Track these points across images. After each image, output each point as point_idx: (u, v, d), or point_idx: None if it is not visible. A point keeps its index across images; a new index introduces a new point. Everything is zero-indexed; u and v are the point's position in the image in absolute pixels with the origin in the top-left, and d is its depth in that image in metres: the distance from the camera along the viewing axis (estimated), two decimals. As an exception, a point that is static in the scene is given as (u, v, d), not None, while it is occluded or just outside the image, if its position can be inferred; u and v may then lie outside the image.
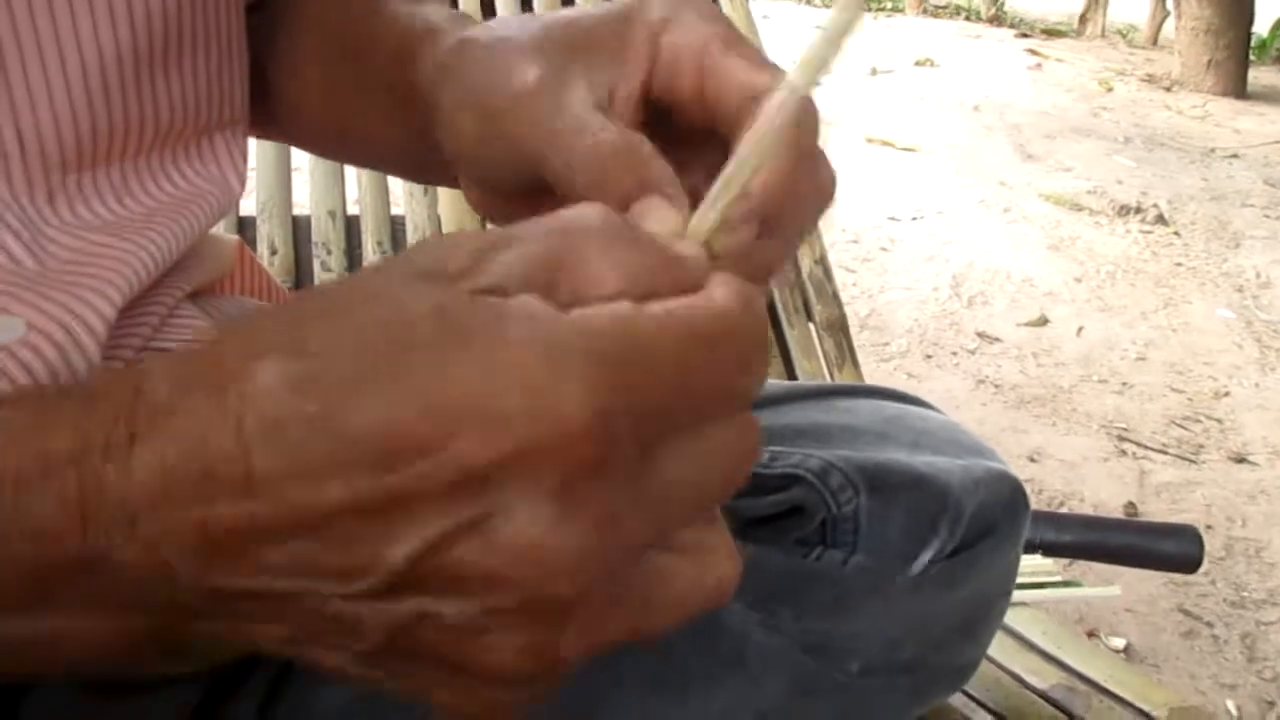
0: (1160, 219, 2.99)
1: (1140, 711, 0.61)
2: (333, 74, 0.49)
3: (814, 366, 0.91)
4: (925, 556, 0.49)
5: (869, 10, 6.07)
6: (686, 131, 0.35)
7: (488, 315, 0.23)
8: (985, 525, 0.51)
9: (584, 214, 0.25)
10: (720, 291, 0.25)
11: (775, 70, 0.33)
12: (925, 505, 0.49)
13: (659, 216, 0.31)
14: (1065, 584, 0.78)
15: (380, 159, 0.52)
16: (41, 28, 0.39)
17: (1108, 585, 0.94)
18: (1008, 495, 0.53)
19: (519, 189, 0.36)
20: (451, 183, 0.42)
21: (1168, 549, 0.81)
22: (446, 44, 0.40)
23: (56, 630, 0.26)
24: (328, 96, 0.50)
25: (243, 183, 0.52)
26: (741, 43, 0.33)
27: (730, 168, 0.29)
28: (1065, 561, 0.85)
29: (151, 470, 0.24)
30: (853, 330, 2.10)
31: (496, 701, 0.25)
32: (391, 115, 0.45)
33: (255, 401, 0.23)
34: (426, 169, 0.46)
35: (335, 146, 0.55)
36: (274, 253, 0.85)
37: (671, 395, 0.23)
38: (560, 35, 0.36)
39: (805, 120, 0.32)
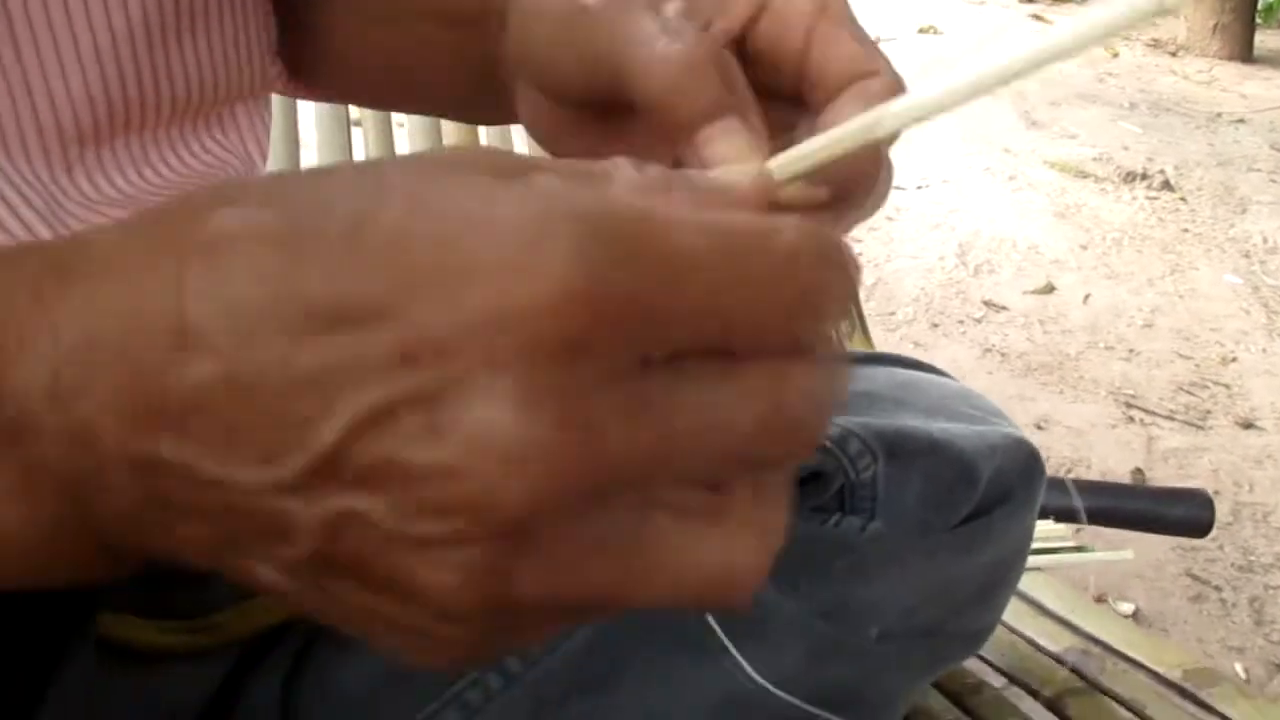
0: (1166, 185, 2.98)
1: (1154, 673, 0.61)
2: (382, 9, 0.49)
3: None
4: (942, 522, 0.49)
5: (872, -23, 6.00)
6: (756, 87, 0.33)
7: (482, 183, 0.20)
8: (1001, 490, 0.51)
9: (620, 165, 0.23)
10: (787, 223, 0.21)
11: (883, 57, 0.32)
12: (942, 471, 0.49)
13: (735, 141, 0.30)
14: (1077, 549, 0.78)
15: (435, 94, 0.52)
16: (53, 3, 0.39)
17: (1119, 550, 0.95)
18: (1023, 461, 0.53)
19: (585, 102, 0.34)
20: (505, 116, 0.42)
21: (1178, 513, 0.82)
22: None
23: None
24: (380, 35, 0.50)
25: (264, 153, 0.52)
26: (854, 21, 0.33)
27: (832, 133, 0.28)
28: (1075, 528, 0.86)
29: (77, 315, 0.21)
30: (859, 299, 2.10)
31: (436, 639, 0.20)
32: (450, 39, 0.45)
33: (202, 248, 0.20)
34: (482, 100, 0.45)
35: (387, 88, 0.54)
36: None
37: (698, 307, 0.19)
38: None
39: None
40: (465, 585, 0.19)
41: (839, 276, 0.21)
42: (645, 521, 0.20)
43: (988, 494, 0.51)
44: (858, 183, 0.31)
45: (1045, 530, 0.81)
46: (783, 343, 0.21)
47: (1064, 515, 0.80)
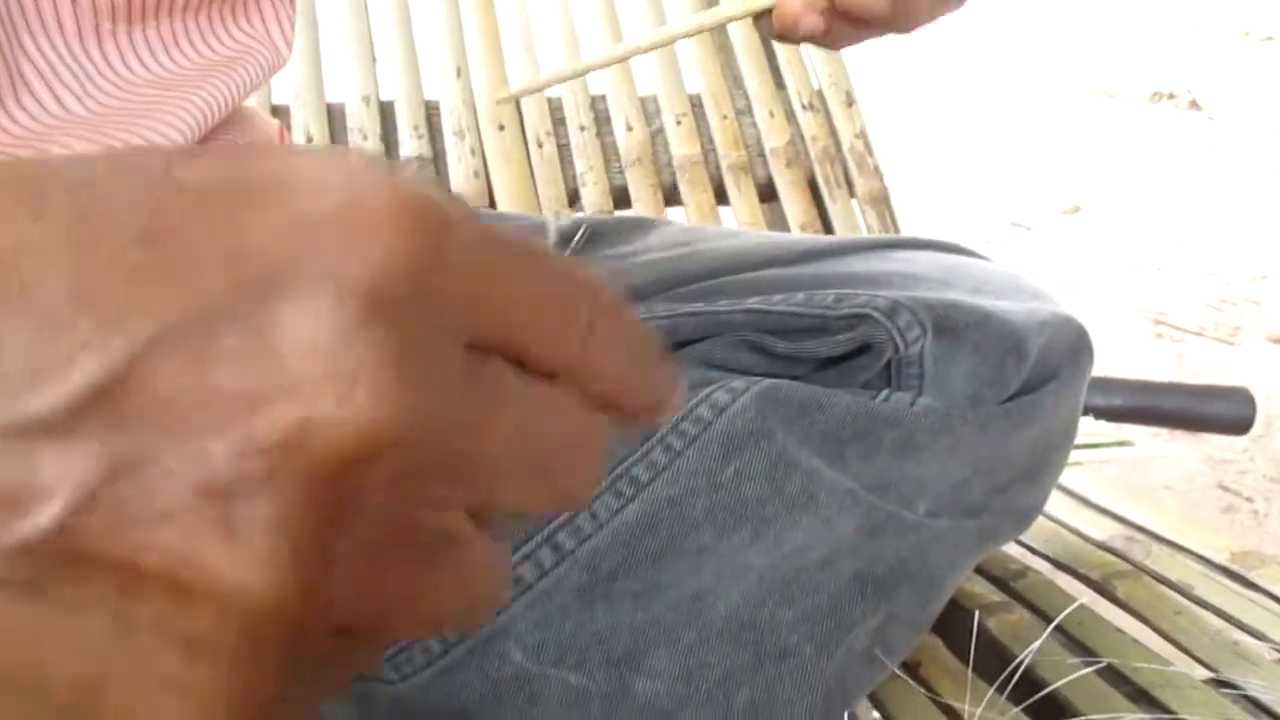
0: (1194, 104, 2.92)
1: (1200, 556, 0.61)
2: None
3: (857, 240, 0.90)
4: (992, 397, 0.49)
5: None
6: None
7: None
8: (1050, 367, 0.51)
9: None
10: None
11: None
12: (991, 345, 0.49)
13: None
14: (1119, 443, 0.78)
15: None
16: None
17: (1161, 445, 0.94)
18: (1072, 338, 0.52)
19: None
20: None
21: (1220, 410, 0.81)
22: None
23: None
24: None
25: (289, 46, 0.51)
26: None
27: None
28: (1115, 426, 0.85)
29: None
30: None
31: (202, 681, 0.14)
32: None
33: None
34: None
35: None
36: (310, 141, 0.84)
37: (521, 304, 0.17)
38: None
39: None
40: (273, 557, 0.14)
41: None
42: (441, 535, 0.17)
43: (1037, 370, 0.50)
44: None
45: (1086, 427, 0.80)
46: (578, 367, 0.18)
47: (1103, 413, 0.80)
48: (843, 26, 0.47)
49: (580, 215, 0.75)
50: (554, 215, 0.81)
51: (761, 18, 0.47)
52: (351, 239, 0.15)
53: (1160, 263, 2.09)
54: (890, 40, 0.50)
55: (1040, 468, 0.53)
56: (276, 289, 0.15)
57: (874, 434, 0.47)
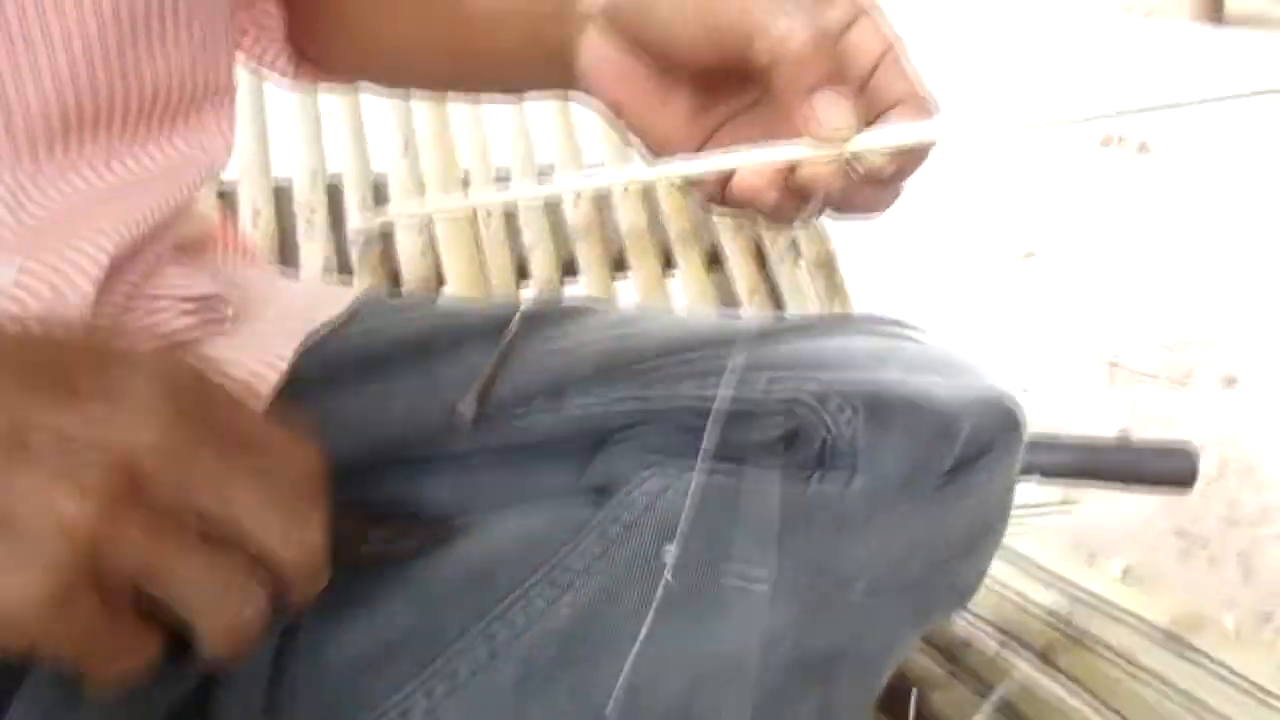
0: (1144, 147, 2.99)
1: (1142, 622, 0.62)
2: None
3: (804, 306, 0.91)
4: (924, 476, 0.49)
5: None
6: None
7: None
8: (983, 444, 0.52)
9: None
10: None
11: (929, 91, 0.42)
12: (923, 426, 0.49)
13: (842, 107, 0.39)
14: (1064, 502, 0.79)
15: (489, 66, 0.53)
16: (26, 6, 0.39)
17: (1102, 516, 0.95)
18: (1004, 414, 0.53)
19: (692, 66, 0.42)
20: (560, 85, 0.48)
21: (1163, 467, 0.82)
22: None
23: None
24: (416, 9, 0.52)
25: (230, 150, 0.52)
26: (905, 58, 0.42)
27: (908, 129, 0.40)
28: (1060, 487, 0.86)
29: None
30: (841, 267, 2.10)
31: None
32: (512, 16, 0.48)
33: None
34: (525, 63, 0.50)
35: (436, 68, 0.56)
36: (257, 217, 0.84)
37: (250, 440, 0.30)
38: None
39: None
40: (83, 498, 0.26)
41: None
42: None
43: (969, 448, 0.51)
44: (917, 160, 0.42)
45: (1030, 490, 0.81)
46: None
47: (1047, 472, 0.81)
48: (795, 204, 0.44)
49: (523, 298, 0.76)
50: (490, 297, 0.82)
51: (695, 183, 0.45)
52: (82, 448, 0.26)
53: (1113, 306, 2.12)
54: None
55: (976, 543, 0.53)
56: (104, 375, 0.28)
57: (809, 517, 0.47)
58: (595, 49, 0.45)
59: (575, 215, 0.91)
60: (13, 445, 0.26)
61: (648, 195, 0.94)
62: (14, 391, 0.27)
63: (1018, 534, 0.73)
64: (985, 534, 0.54)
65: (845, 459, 0.49)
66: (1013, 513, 0.58)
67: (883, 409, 0.49)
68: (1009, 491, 0.55)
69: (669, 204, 0.93)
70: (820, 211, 0.45)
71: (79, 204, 0.44)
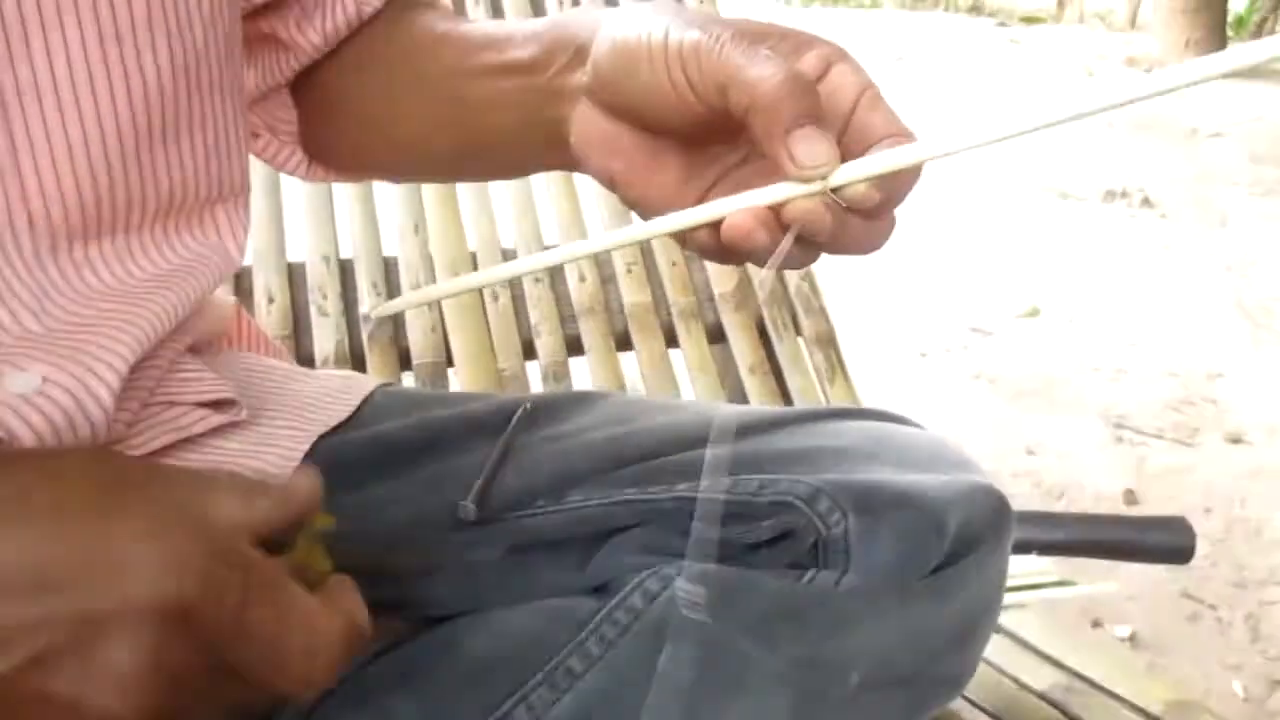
0: (1146, 202, 3.01)
1: (1137, 707, 0.62)
2: (430, 87, 0.54)
3: (805, 381, 0.93)
4: (914, 573, 0.51)
5: (848, 7, 6.10)
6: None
7: (138, 491, 0.32)
8: (970, 539, 0.53)
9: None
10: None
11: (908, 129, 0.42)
12: (911, 524, 0.51)
13: (819, 144, 0.39)
14: (1061, 583, 0.80)
15: (482, 149, 0.55)
16: (48, 110, 0.41)
17: (1105, 581, 0.96)
18: (991, 508, 0.54)
19: (674, 126, 0.43)
20: (560, 162, 0.49)
21: (1159, 541, 0.83)
22: (583, 19, 0.47)
23: None
24: (424, 100, 0.54)
25: (242, 251, 0.54)
26: (883, 97, 0.43)
27: (887, 155, 0.40)
28: (1060, 560, 0.87)
29: None
30: (846, 331, 2.12)
31: None
32: (505, 88, 0.50)
33: None
34: (526, 145, 0.51)
35: (440, 155, 0.58)
36: (270, 301, 0.87)
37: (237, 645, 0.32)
38: (742, 22, 0.43)
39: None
40: None
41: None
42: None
43: (957, 543, 0.52)
44: (905, 185, 0.42)
45: (1029, 566, 0.82)
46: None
47: (1046, 549, 0.82)
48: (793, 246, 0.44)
49: (530, 379, 0.78)
50: (502, 390, 0.84)
51: (689, 241, 0.46)
52: (131, 609, 0.30)
53: (1119, 364, 2.14)
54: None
55: (967, 636, 0.55)
56: (91, 636, 0.30)
57: (802, 614, 0.49)
58: (586, 122, 0.47)
59: (580, 293, 0.94)
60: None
61: (651, 273, 0.96)
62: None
63: (1015, 611, 0.74)
64: (976, 626, 0.55)
65: (837, 557, 0.50)
66: (1013, 590, 0.59)
67: (873, 507, 0.50)
68: (999, 584, 0.56)
69: (671, 282, 0.96)
70: (818, 251, 0.45)
71: (99, 305, 0.46)
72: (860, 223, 0.43)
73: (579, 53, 0.46)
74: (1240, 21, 5.58)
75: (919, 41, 4.86)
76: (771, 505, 0.49)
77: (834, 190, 0.41)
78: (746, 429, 0.57)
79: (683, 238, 0.46)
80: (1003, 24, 5.66)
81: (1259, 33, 5.52)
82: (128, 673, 0.30)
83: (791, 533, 0.49)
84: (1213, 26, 4.72)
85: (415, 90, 0.55)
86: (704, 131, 0.44)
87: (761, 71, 0.39)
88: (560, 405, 0.60)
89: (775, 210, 0.42)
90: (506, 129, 0.51)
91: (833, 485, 0.50)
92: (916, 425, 0.61)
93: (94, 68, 0.43)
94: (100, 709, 0.30)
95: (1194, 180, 3.19)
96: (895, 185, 0.41)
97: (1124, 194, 3.04)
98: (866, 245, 0.44)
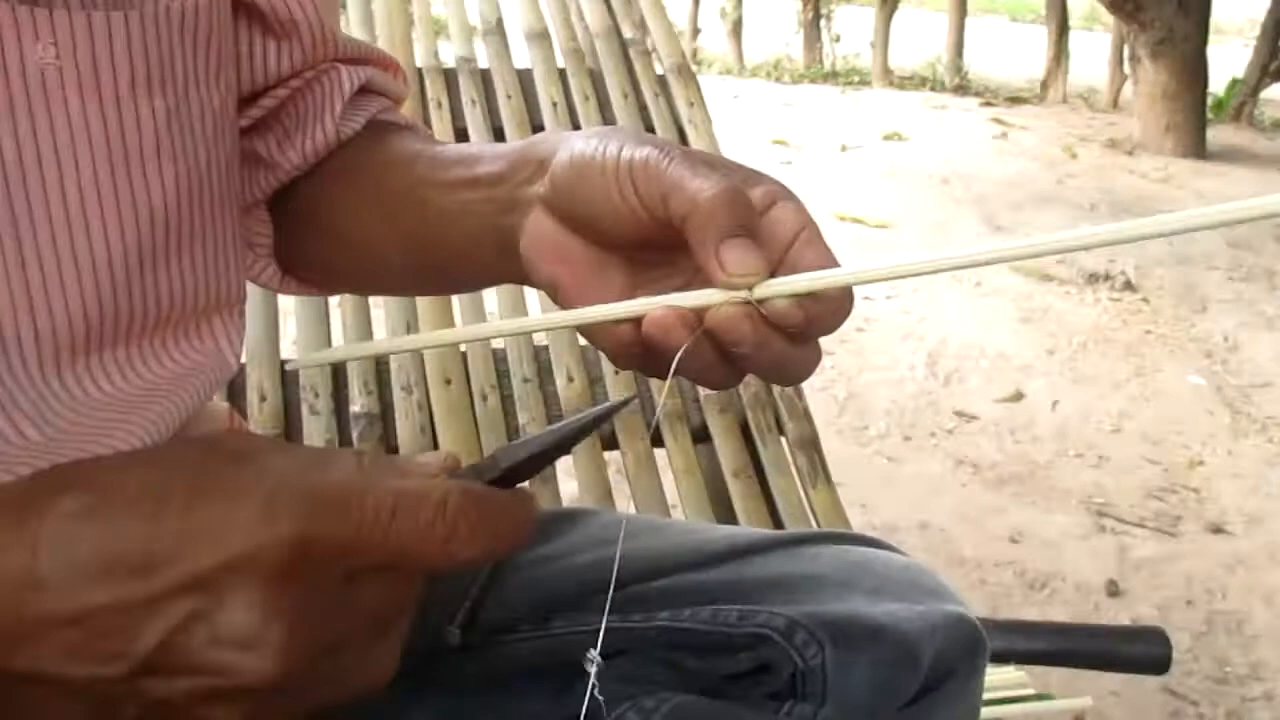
0: (1128, 285, 3.06)
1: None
2: (403, 210, 0.55)
3: (788, 484, 0.94)
4: (888, 705, 0.52)
5: (837, 86, 6.23)
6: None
7: (233, 465, 0.34)
8: (945, 669, 0.54)
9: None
10: (441, 485, 0.35)
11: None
12: (886, 655, 0.52)
13: (750, 254, 0.41)
14: (1038, 697, 0.80)
15: (444, 262, 0.56)
16: (58, 230, 0.43)
17: (1083, 688, 0.97)
18: (966, 638, 0.55)
19: (624, 239, 0.45)
20: (510, 273, 0.50)
21: (1135, 652, 0.84)
22: (550, 139, 0.48)
23: None
24: (391, 213, 0.56)
25: (238, 357, 0.55)
26: (822, 236, 0.45)
27: (814, 275, 0.41)
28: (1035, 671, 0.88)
29: None
30: (832, 415, 2.14)
31: None
32: (468, 200, 0.51)
33: (49, 523, 0.31)
34: (484, 254, 0.52)
35: (402, 265, 0.59)
36: (263, 399, 0.88)
37: (377, 545, 0.33)
38: (696, 151, 0.45)
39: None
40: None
41: (480, 518, 0.35)
42: (344, 666, 0.34)
43: (932, 674, 0.53)
44: (830, 314, 0.42)
45: (1005, 678, 0.83)
46: (422, 565, 0.35)
47: (1024, 658, 0.83)
48: (714, 359, 0.44)
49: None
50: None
51: (615, 328, 0.45)
52: (251, 571, 0.31)
53: (1101, 450, 2.16)
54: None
55: (943, 764, 0.55)
56: (218, 602, 0.31)
57: (780, 747, 0.50)
58: (538, 230, 0.47)
59: (568, 393, 0.95)
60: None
61: (637, 375, 0.98)
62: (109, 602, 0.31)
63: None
64: (951, 754, 0.56)
65: (814, 688, 0.51)
66: (991, 703, 0.60)
67: (849, 640, 0.51)
68: (974, 710, 0.57)
69: (657, 384, 0.97)
70: (741, 372, 0.45)
71: (98, 415, 0.47)
72: (784, 345, 0.43)
73: (540, 166, 0.47)
74: (1219, 104, 5.70)
75: (906, 122, 4.96)
76: (750, 637, 0.51)
77: (759, 302, 0.41)
78: (727, 555, 0.58)
79: (601, 337, 0.46)
80: (988, 103, 5.78)
81: (1238, 116, 5.64)
82: (254, 628, 0.31)
83: (769, 665, 0.51)
84: (1193, 109, 4.82)
85: (377, 203, 0.56)
86: (649, 248, 0.45)
87: (702, 183, 0.41)
88: (547, 524, 0.61)
89: (699, 314, 0.42)
90: (460, 237, 0.52)
91: (810, 618, 0.51)
92: (895, 550, 0.62)
93: (103, 191, 0.44)
94: (246, 672, 0.31)
95: (1175, 264, 3.24)
96: (820, 311, 0.42)
97: (1106, 277, 3.09)
98: (790, 370, 0.44)
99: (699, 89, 1.18)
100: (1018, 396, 2.36)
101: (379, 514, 0.33)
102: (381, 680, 0.36)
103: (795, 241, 0.43)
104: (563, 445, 0.43)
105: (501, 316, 0.99)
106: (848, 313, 0.44)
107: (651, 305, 0.44)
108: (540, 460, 0.42)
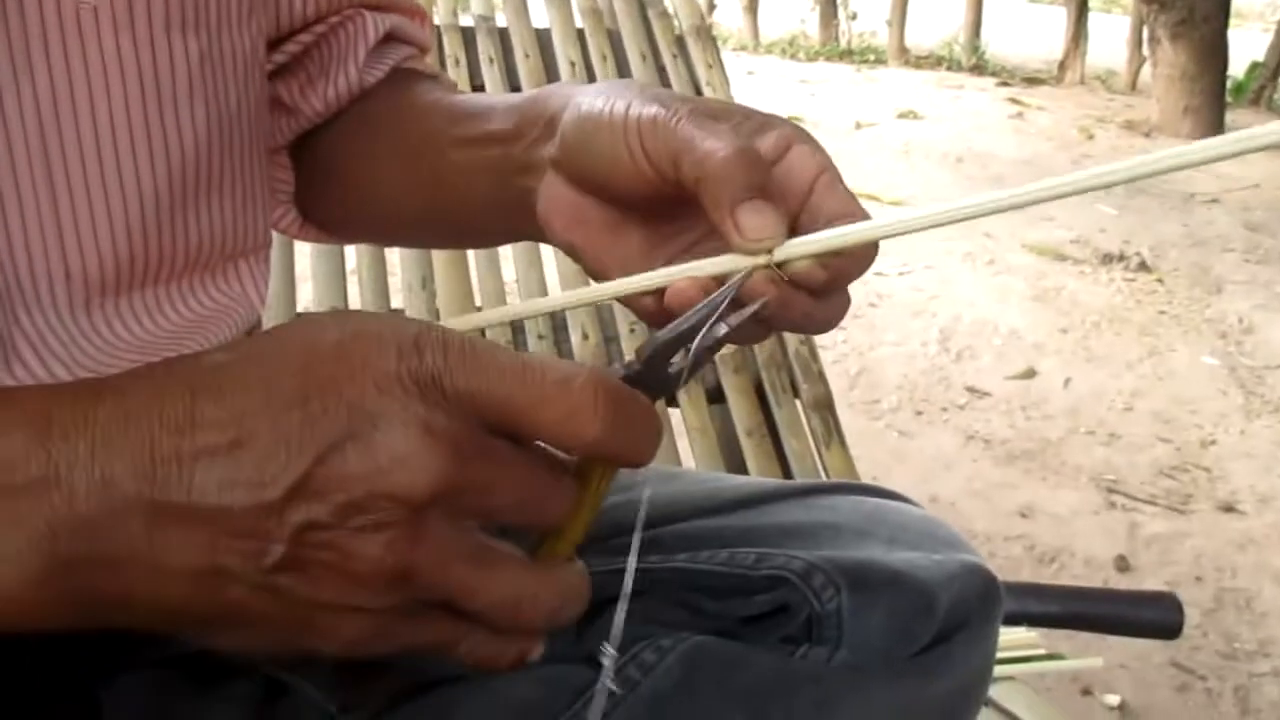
0: (1143, 266, 3.04)
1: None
2: (417, 158, 0.55)
3: (801, 445, 0.94)
4: (904, 651, 0.52)
5: (852, 64, 6.19)
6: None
7: (374, 320, 0.33)
8: (960, 618, 0.54)
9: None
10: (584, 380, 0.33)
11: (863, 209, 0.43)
12: (903, 602, 0.52)
13: (766, 215, 0.40)
14: (1049, 657, 0.80)
15: (458, 218, 0.56)
16: (90, 169, 0.43)
17: (1092, 656, 0.97)
18: (981, 588, 0.55)
19: (636, 198, 0.44)
20: (527, 232, 0.50)
21: (1148, 616, 0.84)
22: (559, 92, 0.48)
23: None
24: (406, 168, 0.55)
25: (263, 300, 0.56)
26: (841, 178, 0.43)
27: (833, 233, 0.40)
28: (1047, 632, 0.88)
29: (113, 415, 0.31)
30: (843, 388, 2.13)
31: (356, 616, 0.32)
32: (484, 158, 0.51)
33: (205, 366, 0.32)
34: (495, 212, 0.52)
35: (406, 221, 0.59)
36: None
37: (515, 401, 0.32)
38: (705, 101, 0.44)
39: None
40: (385, 553, 0.30)
41: (624, 411, 0.33)
42: (485, 549, 0.33)
43: (947, 622, 0.53)
44: (854, 264, 0.42)
45: (1017, 638, 0.83)
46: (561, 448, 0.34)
47: (1035, 621, 0.83)
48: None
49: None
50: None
51: (640, 299, 0.45)
52: (411, 395, 0.31)
53: (1113, 428, 2.15)
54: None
55: (956, 713, 0.55)
56: (371, 422, 0.30)
57: (794, 691, 0.50)
58: (551, 193, 0.47)
59: (582, 351, 0.95)
60: (309, 494, 0.30)
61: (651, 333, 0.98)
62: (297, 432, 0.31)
63: (1004, 684, 0.75)
64: (964, 705, 0.56)
65: (829, 632, 0.51)
66: (1002, 662, 0.60)
67: (866, 585, 0.51)
68: (988, 662, 0.57)
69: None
70: (768, 327, 0.44)
71: (126, 356, 0.47)
72: (808, 300, 0.42)
73: (550, 124, 0.47)
74: (1239, 88, 5.65)
75: (922, 101, 4.93)
76: (767, 579, 0.51)
77: (780, 265, 0.40)
78: (743, 502, 0.58)
79: (634, 304, 0.46)
80: (1005, 83, 5.74)
81: (1258, 100, 5.59)
82: (410, 444, 0.30)
83: (786, 608, 0.50)
84: (1212, 93, 4.78)
85: (397, 154, 0.56)
86: (664, 206, 0.44)
87: (713, 144, 0.40)
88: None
89: (720, 281, 0.41)
90: (478, 196, 0.52)
91: (827, 562, 0.51)
92: (910, 502, 0.62)
93: (135, 130, 0.45)
94: (404, 486, 0.30)
95: (1190, 246, 3.22)
96: (842, 265, 0.41)
97: (1121, 257, 3.07)
98: (817, 323, 0.44)
99: (717, 51, 1.17)
100: (1030, 374, 2.35)
101: (526, 367, 0.32)
102: (515, 605, 0.34)
103: (814, 188, 0.42)
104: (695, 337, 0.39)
105: (517, 273, 0.98)
106: (872, 259, 0.43)
107: (672, 275, 0.43)
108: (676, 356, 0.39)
